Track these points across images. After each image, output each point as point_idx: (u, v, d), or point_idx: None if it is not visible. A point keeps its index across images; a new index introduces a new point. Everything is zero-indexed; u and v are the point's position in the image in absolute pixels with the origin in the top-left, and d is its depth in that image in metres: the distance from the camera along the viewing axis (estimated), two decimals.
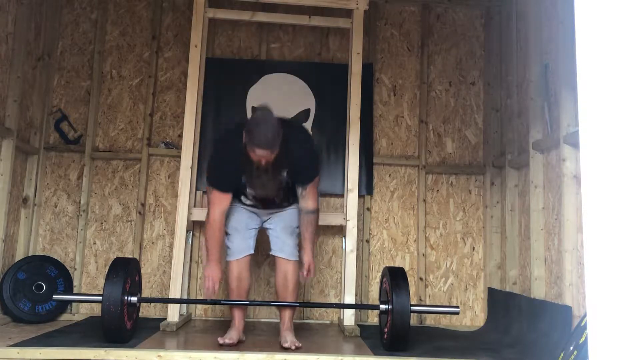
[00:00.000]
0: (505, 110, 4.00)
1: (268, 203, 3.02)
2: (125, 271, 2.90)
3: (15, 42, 3.66)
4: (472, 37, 4.41)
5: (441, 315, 4.08)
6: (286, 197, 3.03)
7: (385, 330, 3.02)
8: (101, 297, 2.80)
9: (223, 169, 2.89)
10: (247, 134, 2.65)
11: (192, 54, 3.72)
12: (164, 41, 4.29)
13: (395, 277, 2.99)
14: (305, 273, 2.97)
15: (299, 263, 3.02)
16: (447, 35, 4.41)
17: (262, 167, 2.70)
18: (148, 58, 4.25)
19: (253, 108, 2.69)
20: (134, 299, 2.97)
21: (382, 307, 3.06)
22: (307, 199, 2.94)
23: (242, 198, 3.02)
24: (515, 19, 3.83)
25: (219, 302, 2.91)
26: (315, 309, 4.03)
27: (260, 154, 2.64)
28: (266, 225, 3.10)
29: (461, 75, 4.37)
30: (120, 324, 2.82)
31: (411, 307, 2.88)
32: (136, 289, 3.07)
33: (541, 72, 3.31)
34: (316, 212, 2.99)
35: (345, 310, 3.51)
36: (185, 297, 3.72)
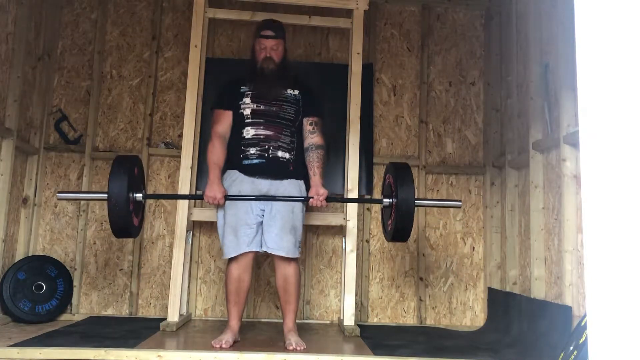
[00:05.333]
0: (505, 110, 4.00)
1: (271, 121, 3.02)
2: (129, 168, 2.86)
3: (15, 42, 3.66)
4: (472, 37, 4.41)
5: (441, 315, 4.09)
6: (293, 131, 3.06)
7: (389, 222, 3.05)
8: (107, 195, 2.78)
9: (224, 89, 3.15)
10: (256, 26, 3.17)
11: (192, 54, 3.72)
12: (164, 41, 4.29)
13: (400, 171, 2.99)
14: (312, 201, 2.94)
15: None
16: (447, 35, 4.41)
17: (268, 67, 3.02)
18: (148, 58, 4.25)
19: None
20: (139, 195, 2.94)
21: (386, 201, 3.05)
22: (315, 135, 3.08)
23: (245, 130, 3.01)
24: (515, 19, 3.83)
25: (226, 198, 2.93)
26: (316, 309, 4.04)
27: (266, 34, 3.05)
28: (265, 216, 2.96)
29: (461, 75, 4.37)
30: (127, 218, 2.81)
31: (415, 200, 2.92)
32: (141, 186, 3.03)
33: (541, 72, 3.31)
34: (324, 147, 3.09)
35: (345, 310, 3.51)
36: (185, 298, 3.71)
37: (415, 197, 2.93)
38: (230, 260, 2.98)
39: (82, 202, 4.02)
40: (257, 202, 2.97)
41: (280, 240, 2.95)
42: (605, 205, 1.02)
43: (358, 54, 3.79)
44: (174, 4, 4.33)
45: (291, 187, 3.03)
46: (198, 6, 3.75)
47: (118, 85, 4.23)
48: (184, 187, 3.58)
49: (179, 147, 3.97)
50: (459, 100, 4.34)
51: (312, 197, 2.95)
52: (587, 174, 1.05)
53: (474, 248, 4.19)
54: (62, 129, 4.12)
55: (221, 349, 2.81)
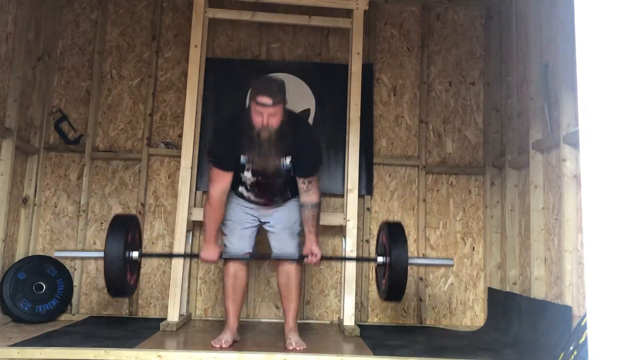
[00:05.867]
0: (505, 110, 4.00)
1: (266, 191, 2.97)
2: (126, 228, 2.90)
3: (15, 42, 3.66)
4: (472, 37, 4.41)
5: (441, 315, 4.09)
6: (285, 190, 3.00)
7: (383, 281, 3.08)
8: (103, 254, 2.81)
9: (224, 147, 2.90)
10: (253, 86, 2.81)
11: (192, 54, 3.72)
12: (164, 41, 4.29)
13: (393, 231, 3.03)
14: (307, 260, 2.94)
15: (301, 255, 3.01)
16: (447, 35, 4.41)
17: (265, 137, 2.76)
18: (148, 58, 4.25)
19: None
20: (135, 254, 2.96)
21: (380, 259, 3.10)
22: (310, 193, 2.92)
23: (241, 188, 2.98)
24: (515, 19, 3.83)
25: (221, 257, 2.97)
26: (316, 309, 4.04)
27: (263, 102, 2.70)
28: (265, 226, 3.07)
29: (461, 75, 4.37)
30: (123, 277, 2.83)
31: (408, 259, 2.95)
32: (137, 245, 3.06)
33: (541, 72, 3.30)
34: (319, 205, 3.00)
35: (345, 310, 3.51)
36: (185, 297, 3.72)
37: (409, 256, 2.97)
38: (228, 258, 3.03)
39: (82, 202, 4.03)
40: (252, 210, 3.03)
41: (284, 247, 3.02)
42: (605, 205, 1.02)
43: (358, 54, 3.80)
44: (174, 4, 4.33)
45: (287, 209, 3.06)
46: (198, 6, 3.75)
47: (118, 85, 4.23)
48: (184, 187, 3.58)
49: (179, 147, 3.97)
50: (459, 100, 4.34)
51: (307, 257, 2.95)
52: (587, 174, 1.05)
53: (474, 248, 4.19)
54: (62, 129, 4.12)
55: (221, 348, 2.81)
